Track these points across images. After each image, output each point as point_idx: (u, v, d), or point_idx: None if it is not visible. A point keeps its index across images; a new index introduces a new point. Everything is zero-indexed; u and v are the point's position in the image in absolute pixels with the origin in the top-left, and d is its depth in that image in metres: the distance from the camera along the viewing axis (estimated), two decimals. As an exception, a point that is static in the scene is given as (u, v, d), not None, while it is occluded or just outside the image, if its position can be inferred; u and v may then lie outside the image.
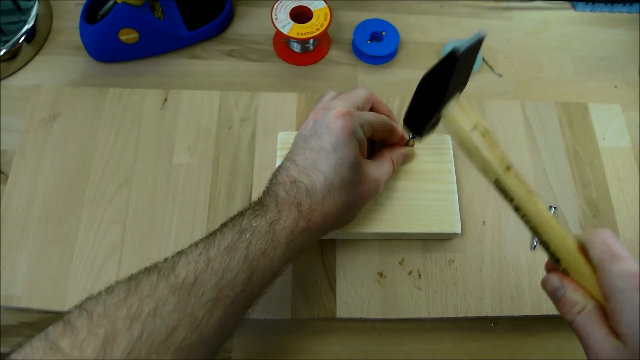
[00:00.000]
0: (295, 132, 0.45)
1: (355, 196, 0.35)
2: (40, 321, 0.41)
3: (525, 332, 0.42)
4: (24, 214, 0.43)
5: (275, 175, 0.35)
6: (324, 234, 0.35)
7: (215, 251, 0.29)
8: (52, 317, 0.40)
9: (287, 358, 0.40)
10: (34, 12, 0.52)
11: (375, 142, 0.40)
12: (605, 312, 0.28)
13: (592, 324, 0.28)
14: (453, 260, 0.43)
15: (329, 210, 0.33)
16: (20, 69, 0.51)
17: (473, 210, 0.45)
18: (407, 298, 0.41)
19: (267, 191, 0.34)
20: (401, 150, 0.41)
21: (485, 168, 0.32)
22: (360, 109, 0.37)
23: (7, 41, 0.50)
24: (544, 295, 0.41)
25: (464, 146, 0.32)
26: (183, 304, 0.27)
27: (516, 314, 0.41)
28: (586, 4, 0.59)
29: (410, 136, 0.40)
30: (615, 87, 0.54)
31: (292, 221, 0.32)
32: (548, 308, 0.41)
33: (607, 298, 0.27)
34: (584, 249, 0.30)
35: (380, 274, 0.42)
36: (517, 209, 0.31)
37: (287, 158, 0.35)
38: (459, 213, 0.41)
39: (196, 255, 0.29)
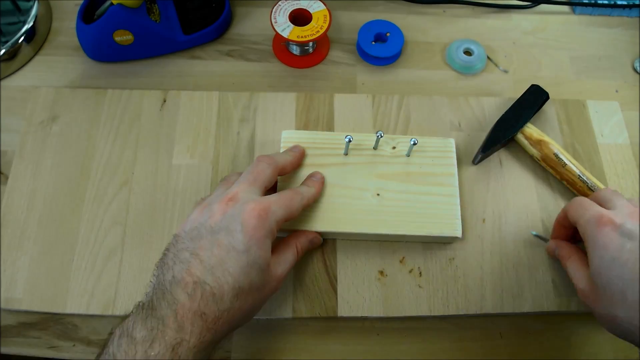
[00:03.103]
0: (300, 131, 0.45)
1: (259, 299, 0.33)
2: (40, 322, 0.40)
3: (525, 332, 0.42)
4: (24, 216, 0.43)
5: (167, 264, 0.30)
6: (226, 338, 0.32)
7: None
8: (50, 318, 0.40)
9: (287, 358, 0.40)
10: (33, 12, 0.52)
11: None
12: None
13: (575, 267, 0.37)
14: (453, 258, 0.43)
15: (235, 317, 0.31)
16: (19, 69, 0.51)
17: (473, 209, 0.45)
18: (408, 296, 0.41)
19: (162, 292, 0.29)
20: (308, 237, 0.39)
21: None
22: (266, 188, 0.36)
23: (7, 41, 0.50)
24: (544, 292, 0.42)
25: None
26: None
27: (517, 311, 0.41)
28: (586, 8, 0.59)
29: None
30: (616, 91, 0.54)
31: (196, 337, 0.28)
32: (549, 305, 0.41)
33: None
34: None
35: (381, 273, 0.42)
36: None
37: (186, 248, 0.31)
38: (460, 217, 0.42)
39: None
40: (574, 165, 0.44)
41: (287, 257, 0.36)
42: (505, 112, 0.47)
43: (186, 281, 0.29)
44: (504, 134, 0.46)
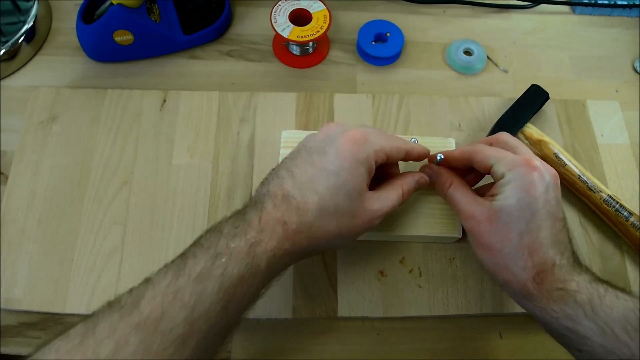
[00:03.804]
0: (300, 131, 0.45)
1: (347, 227, 0.32)
2: (40, 322, 0.40)
3: (525, 332, 0.42)
4: (23, 216, 0.43)
5: (267, 180, 0.33)
6: (307, 256, 0.33)
7: (185, 280, 0.26)
8: (50, 318, 0.40)
9: (287, 358, 0.40)
10: (33, 12, 0.52)
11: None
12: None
13: (460, 193, 0.36)
14: (454, 258, 0.43)
15: (316, 235, 0.31)
16: (19, 69, 0.51)
17: (473, 209, 0.45)
18: (408, 296, 0.41)
19: (255, 200, 0.31)
20: (414, 178, 0.38)
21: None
22: (387, 154, 0.34)
23: (7, 41, 0.50)
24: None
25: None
26: (148, 343, 0.24)
27: (517, 311, 0.41)
28: (586, 7, 0.59)
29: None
30: (617, 91, 0.54)
31: (275, 242, 0.29)
32: (548, 305, 0.41)
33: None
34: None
35: (381, 273, 0.42)
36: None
37: (285, 166, 0.33)
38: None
39: (163, 287, 0.26)
40: (573, 165, 0.44)
41: (389, 195, 0.35)
42: (505, 112, 0.47)
43: (276, 194, 0.31)
44: None
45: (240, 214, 0.31)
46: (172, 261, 0.28)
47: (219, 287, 0.27)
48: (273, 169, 0.34)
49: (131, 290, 0.27)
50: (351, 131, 0.33)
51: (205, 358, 0.27)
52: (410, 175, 0.38)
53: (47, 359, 0.24)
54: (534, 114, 0.47)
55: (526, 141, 0.46)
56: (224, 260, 0.27)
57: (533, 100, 0.48)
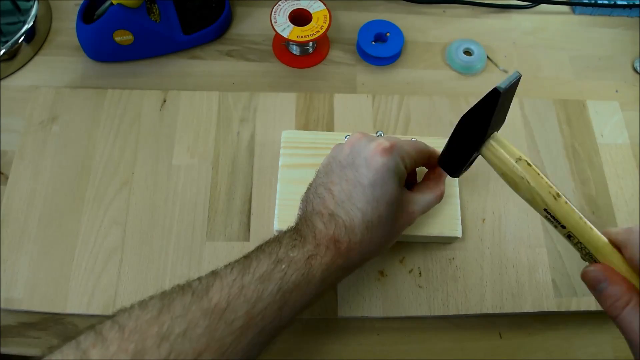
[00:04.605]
0: (300, 131, 0.45)
1: (392, 232, 0.34)
2: (40, 322, 0.40)
3: (525, 332, 0.42)
4: (24, 216, 0.43)
5: (309, 198, 0.34)
6: (360, 266, 0.34)
7: (250, 278, 0.29)
8: (51, 318, 0.40)
9: (287, 358, 0.40)
10: (33, 12, 0.52)
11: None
12: None
13: (638, 319, 0.27)
14: (453, 258, 0.43)
15: (367, 248, 0.33)
16: (19, 69, 0.51)
17: (473, 209, 0.45)
18: (408, 296, 0.41)
19: (304, 219, 0.33)
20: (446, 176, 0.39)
21: (533, 198, 0.31)
22: (415, 159, 0.35)
23: (7, 41, 0.50)
24: (544, 292, 0.42)
25: (509, 179, 0.32)
26: (213, 328, 0.27)
27: (517, 311, 0.41)
28: (586, 8, 0.59)
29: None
30: (617, 91, 0.54)
31: (329, 258, 0.31)
32: (548, 305, 0.41)
33: None
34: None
35: (381, 273, 0.42)
36: (570, 236, 0.30)
37: (322, 183, 0.34)
38: (460, 217, 0.42)
39: (230, 281, 0.29)
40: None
41: (426, 197, 0.36)
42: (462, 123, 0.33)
43: (322, 213, 0.32)
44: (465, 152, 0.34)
45: (295, 230, 0.32)
46: (237, 260, 0.30)
47: (277, 289, 0.29)
48: (310, 185, 0.35)
49: (200, 279, 0.29)
50: (376, 141, 0.33)
51: (255, 352, 0.29)
52: (445, 174, 0.39)
53: (128, 324, 0.26)
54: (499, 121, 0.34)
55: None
56: (284, 266, 0.30)
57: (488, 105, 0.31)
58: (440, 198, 0.38)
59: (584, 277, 0.30)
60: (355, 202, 0.32)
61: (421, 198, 0.36)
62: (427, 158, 0.37)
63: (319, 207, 0.33)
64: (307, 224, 0.32)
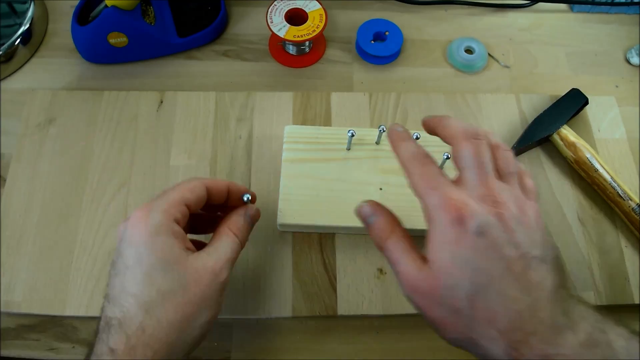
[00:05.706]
0: (303, 126, 0.45)
1: (190, 302, 0.28)
2: (39, 324, 0.40)
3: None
4: (22, 219, 0.43)
5: (103, 312, 0.29)
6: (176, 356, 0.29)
7: None
8: (50, 320, 0.40)
9: (287, 358, 0.40)
10: (29, 14, 0.52)
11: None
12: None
13: (400, 250, 0.28)
14: (452, 256, 0.43)
15: (158, 335, 0.27)
16: (15, 71, 0.51)
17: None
18: (407, 294, 0.41)
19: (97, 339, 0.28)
20: (240, 213, 0.34)
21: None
22: (190, 204, 0.31)
23: (3, 44, 0.50)
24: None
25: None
26: None
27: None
28: (584, 5, 0.59)
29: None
30: (617, 86, 0.54)
31: None
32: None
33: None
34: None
35: (380, 271, 0.42)
36: None
37: (105, 295, 0.29)
38: None
39: None
40: (605, 171, 0.45)
41: (219, 245, 0.31)
42: (543, 112, 0.48)
43: (101, 328, 0.28)
44: (538, 133, 0.47)
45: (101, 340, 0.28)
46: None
47: None
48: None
49: None
50: (132, 214, 0.30)
51: None
52: (234, 214, 0.34)
53: None
54: (571, 117, 0.48)
55: (561, 142, 0.47)
56: None
57: (571, 103, 0.49)
58: (239, 239, 0.32)
59: (358, 213, 0.32)
60: (127, 290, 0.28)
61: (214, 247, 0.31)
62: (205, 193, 0.32)
63: (101, 324, 0.28)
64: (98, 342, 0.28)
